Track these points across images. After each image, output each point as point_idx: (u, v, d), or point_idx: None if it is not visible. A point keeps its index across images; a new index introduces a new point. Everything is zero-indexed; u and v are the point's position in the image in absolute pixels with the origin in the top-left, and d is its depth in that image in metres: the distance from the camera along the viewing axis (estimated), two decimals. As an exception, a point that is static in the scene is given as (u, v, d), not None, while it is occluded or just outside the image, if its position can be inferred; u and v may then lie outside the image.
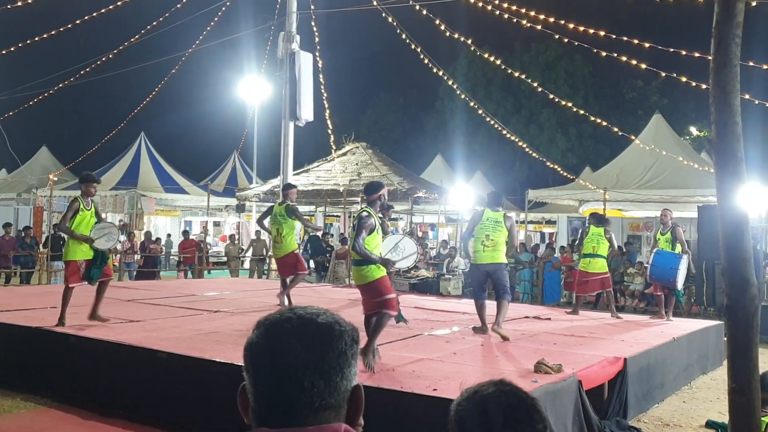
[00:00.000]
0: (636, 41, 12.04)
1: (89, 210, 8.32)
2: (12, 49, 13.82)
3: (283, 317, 1.25)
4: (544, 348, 7.40)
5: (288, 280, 9.99)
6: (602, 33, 11.70)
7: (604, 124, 18.17)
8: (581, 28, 11.85)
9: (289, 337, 1.20)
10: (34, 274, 17.91)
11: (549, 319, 10.10)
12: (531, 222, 25.88)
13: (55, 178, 21.89)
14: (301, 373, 1.18)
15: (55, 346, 7.42)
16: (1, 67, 19.32)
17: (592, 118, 18.75)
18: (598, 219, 11.25)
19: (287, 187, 10.28)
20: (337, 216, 24.44)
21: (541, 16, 12.19)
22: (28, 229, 19.63)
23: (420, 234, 25.54)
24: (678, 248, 10.51)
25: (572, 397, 5.87)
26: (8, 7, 11.91)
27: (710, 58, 3.45)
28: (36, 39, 13.62)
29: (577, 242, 11.70)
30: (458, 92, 21.26)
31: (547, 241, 27.57)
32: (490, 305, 8.37)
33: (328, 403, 1.20)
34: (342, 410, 1.23)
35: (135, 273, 18.58)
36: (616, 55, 13.16)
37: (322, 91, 14.02)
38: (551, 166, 20.42)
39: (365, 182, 19.14)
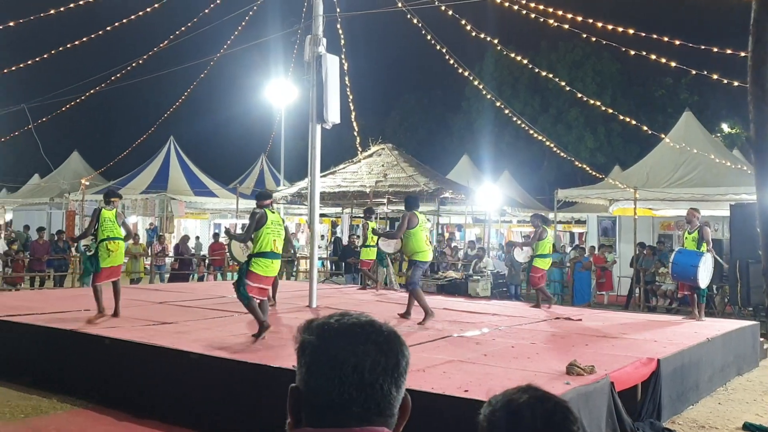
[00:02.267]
0: (666, 39, 11.87)
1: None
2: (45, 56, 14.06)
3: (351, 322, 1.25)
4: (575, 349, 7.34)
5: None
6: (631, 31, 11.55)
7: (633, 122, 17.91)
8: (610, 27, 11.72)
9: (366, 343, 1.21)
10: (67, 277, 18.20)
11: (580, 320, 10.01)
12: (560, 222, 25.65)
13: (87, 183, 22.22)
14: (382, 378, 1.19)
15: (89, 349, 7.54)
16: (33, 75, 19.67)
17: (621, 117, 18.51)
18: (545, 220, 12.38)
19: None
20: (361, 217, 24.47)
21: (569, 15, 12.08)
22: (61, 233, 19.96)
23: (447, 235, 25.44)
24: (704, 247, 10.37)
25: (605, 398, 5.81)
26: (41, 15, 12.14)
27: (743, 55, 3.40)
28: (68, 46, 13.84)
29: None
30: (484, 92, 21.18)
31: (576, 241, 27.33)
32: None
33: (394, 411, 1.22)
34: (396, 416, 1.24)
35: (168, 276, 18.81)
36: (645, 53, 12.99)
37: (348, 93, 14.04)
38: (580, 165, 20.20)
39: (391, 183, 19.31)
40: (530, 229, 28.90)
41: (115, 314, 9.09)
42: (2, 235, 19.72)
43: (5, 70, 14.49)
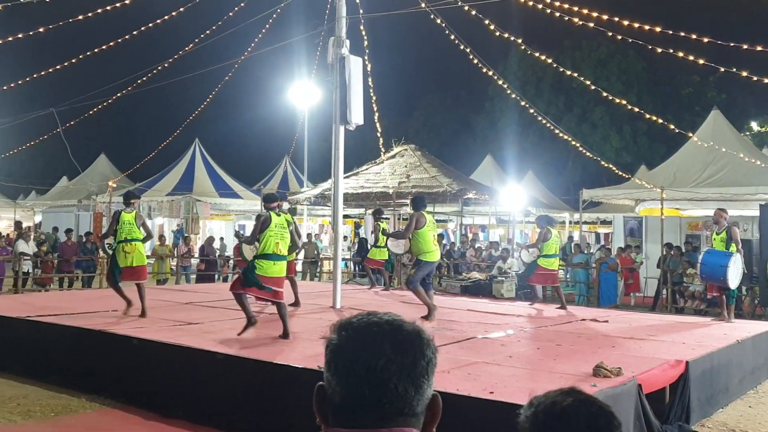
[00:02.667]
0: (694, 36, 11.72)
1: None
2: (73, 60, 14.28)
3: (371, 321, 1.25)
4: (602, 351, 7.27)
5: None
6: (658, 29, 11.42)
7: (660, 121, 17.74)
8: (636, 25, 11.61)
9: (382, 342, 1.21)
10: (95, 278, 18.44)
11: (606, 321, 9.91)
12: (585, 222, 25.45)
13: (114, 185, 22.50)
14: (396, 378, 1.19)
15: (117, 349, 7.63)
16: (62, 79, 19.95)
17: (647, 116, 18.32)
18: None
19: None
20: (387, 218, 24.46)
21: (594, 14, 11.98)
22: (89, 235, 20.23)
23: (470, 236, 25.36)
24: (733, 248, 10.22)
25: (632, 401, 5.74)
26: (69, 20, 12.32)
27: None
28: (95, 50, 14.04)
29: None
30: (508, 91, 21.08)
31: (602, 241, 27.09)
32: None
33: (415, 410, 1.21)
34: (422, 417, 1.24)
35: (195, 276, 18.97)
36: (672, 50, 12.85)
37: (371, 94, 14.07)
38: (605, 165, 20.02)
39: (414, 184, 19.30)
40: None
41: (143, 315, 9.24)
42: (32, 237, 20.00)
43: (35, 75, 14.73)
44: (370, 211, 22.07)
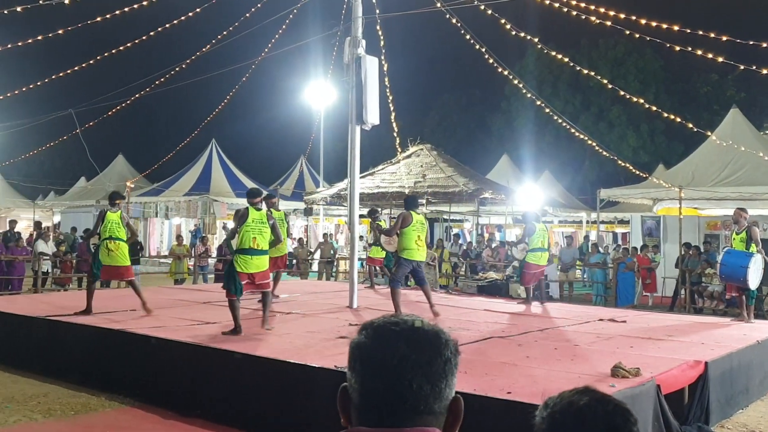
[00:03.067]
0: (713, 34, 11.61)
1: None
2: (90, 62, 14.40)
3: (390, 321, 1.28)
4: (620, 351, 7.21)
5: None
6: (676, 27, 11.33)
7: (678, 119, 17.59)
8: (653, 23, 11.52)
9: (398, 341, 1.23)
10: (113, 278, 18.54)
11: (624, 321, 9.85)
12: (603, 222, 25.28)
13: (132, 185, 22.67)
14: (410, 375, 1.20)
15: (136, 348, 7.69)
16: (80, 80, 20.14)
17: (665, 114, 18.18)
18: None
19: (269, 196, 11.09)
20: (381, 218, 24.43)
21: (611, 12, 11.91)
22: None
23: (486, 236, 25.29)
24: (753, 248, 10.12)
25: (651, 402, 5.70)
26: (88, 22, 12.43)
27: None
28: (113, 51, 14.16)
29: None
30: (524, 91, 21.00)
31: (619, 241, 26.91)
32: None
33: (432, 409, 1.22)
34: (442, 417, 1.25)
35: (214, 276, 19.05)
36: (690, 48, 12.74)
37: (387, 93, 14.07)
38: (622, 164, 19.91)
39: (430, 184, 19.27)
40: (570, 229, 28.74)
41: (146, 309, 9.40)
42: (50, 237, 20.20)
43: (53, 76, 14.88)
44: (386, 212, 22.08)
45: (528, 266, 11.73)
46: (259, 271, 8.37)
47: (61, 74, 14.63)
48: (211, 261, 19.61)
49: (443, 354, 1.24)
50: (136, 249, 18.20)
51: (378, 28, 12.56)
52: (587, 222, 26.92)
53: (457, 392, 1.29)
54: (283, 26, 14.41)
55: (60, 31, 12.94)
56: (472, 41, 14.32)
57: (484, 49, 14.64)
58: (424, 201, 19.31)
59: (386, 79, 13.63)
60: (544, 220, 26.58)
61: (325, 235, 21.30)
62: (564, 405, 1.35)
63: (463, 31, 13.88)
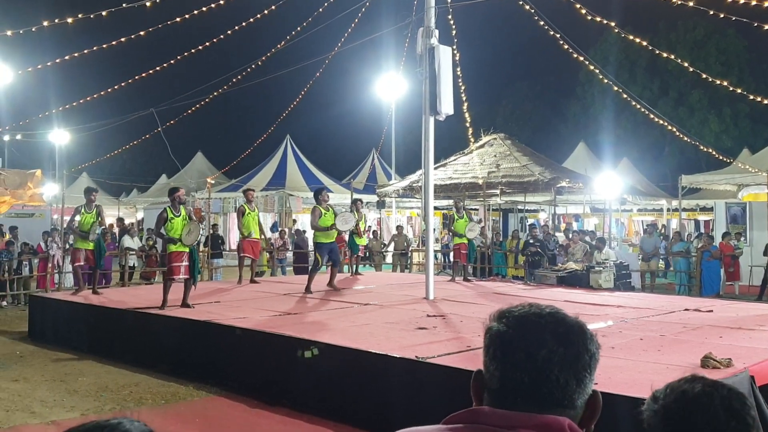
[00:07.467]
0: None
1: (179, 216, 9.92)
2: (171, 62, 14.88)
3: (532, 312, 1.26)
4: (709, 341, 6.97)
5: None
6: (766, 4, 10.81)
7: (765, 101, 16.82)
8: (739, 1, 11.03)
9: (543, 332, 1.21)
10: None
11: (711, 311, 9.50)
12: (684, 209, 24.45)
13: (212, 182, 23.29)
14: (557, 370, 1.19)
15: (222, 338, 7.93)
16: (160, 80, 20.82)
17: (751, 96, 17.40)
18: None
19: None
20: (475, 209, 24.26)
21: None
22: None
23: (564, 226, 24.82)
24: None
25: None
26: (168, 23, 12.84)
27: None
28: (192, 51, 14.60)
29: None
30: (601, 76, 20.48)
31: (702, 229, 25.96)
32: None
33: (574, 404, 1.21)
34: (580, 412, 1.23)
35: (292, 268, 19.37)
36: (777, 26, 12.14)
37: (459, 83, 14.00)
38: (704, 149, 19.22)
39: (504, 173, 19.05)
40: (650, 218, 27.91)
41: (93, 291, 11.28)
42: (136, 232, 20.96)
43: (136, 77, 15.45)
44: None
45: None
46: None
47: (143, 75, 15.17)
48: (289, 254, 19.94)
49: (590, 349, 1.23)
50: (218, 243, 18.73)
51: (450, 17, 12.51)
52: (668, 210, 26.07)
53: None
54: (356, 20, 14.51)
55: (141, 33, 13.42)
56: (546, 27, 14.08)
57: (558, 35, 14.37)
58: (498, 191, 19.13)
59: (458, 69, 13.56)
60: (623, 209, 25.99)
61: (398, 227, 21.35)
62: (678, 394, 1.34)
63: (536, 18, 13.66)
